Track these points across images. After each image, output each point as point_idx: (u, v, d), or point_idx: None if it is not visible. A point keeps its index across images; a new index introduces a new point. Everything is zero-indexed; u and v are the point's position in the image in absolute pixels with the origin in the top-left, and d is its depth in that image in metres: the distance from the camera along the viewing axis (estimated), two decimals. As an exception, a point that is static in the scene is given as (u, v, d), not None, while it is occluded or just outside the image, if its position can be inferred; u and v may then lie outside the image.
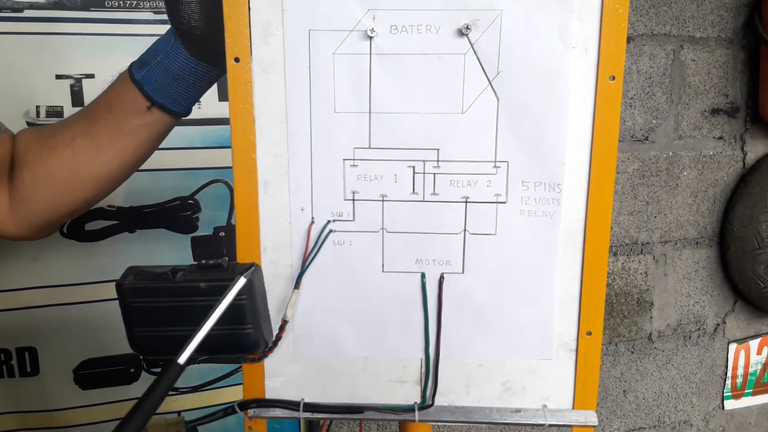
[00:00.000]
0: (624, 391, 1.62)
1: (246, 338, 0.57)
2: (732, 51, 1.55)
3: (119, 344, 1.13)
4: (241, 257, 0.60)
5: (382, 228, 0.61)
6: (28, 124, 1.03)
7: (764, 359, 1.74)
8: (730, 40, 1.54)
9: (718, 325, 1.66)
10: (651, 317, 1.59)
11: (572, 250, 0.60)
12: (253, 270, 0.58)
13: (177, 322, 0.56)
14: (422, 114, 0.58)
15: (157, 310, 0.56)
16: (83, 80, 1.05)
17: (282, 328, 0.61)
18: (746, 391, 1.74)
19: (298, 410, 0.62)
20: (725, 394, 1.71)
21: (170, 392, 1.14)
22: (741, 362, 1.71)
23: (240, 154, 0.59)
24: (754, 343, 1.72)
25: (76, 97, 1.05)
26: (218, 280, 0.55)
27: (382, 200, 0.60)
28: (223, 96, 1.11)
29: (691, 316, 1.63)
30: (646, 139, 1.53)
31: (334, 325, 0.62)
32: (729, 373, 1.69)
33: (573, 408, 0.63)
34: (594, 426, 0.63)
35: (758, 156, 1.61)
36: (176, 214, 1.13)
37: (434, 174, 0.59)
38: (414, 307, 0.62)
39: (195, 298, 0.55)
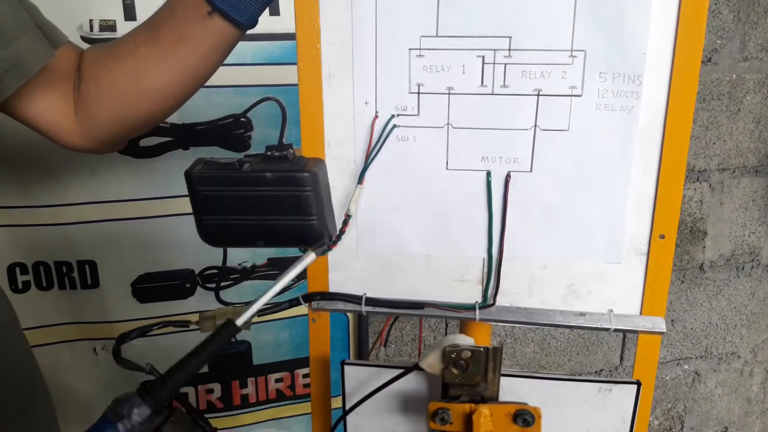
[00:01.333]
0: (672, 321, 1.60)
1: (310, 229, 0.57)
2: (809, -36, 1.44)
3: (175, 260, 1.16)
4: (306, 151, 0.60)
5: (448, 123, 0.59)
6: (82, 38, 1.03)
7: (820, 293, 1.70)
8: (808, -48, 1.43)
9: (773, 257, 1.62)
10: (704, 247, 1.55)
11: (650, 148, 0.57)
12: (317, 164, 0.57)
13: (244, 211, 0.56)
14: (494, -1, 0.55)
15: (225, 199, 0.56)
16: (137, -8, 1.03)
17: (345, 223, 0.61)
18: (799, 324, 1.70)
19: (360, 304, 0.63)
20: (776, 327, 1.68)
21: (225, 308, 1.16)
22: (795, 295, 1.66)
23: (304, 43, 0.57)
24: (810, 277, 1.67)
25: (129, 10, 1.03)
26: (284, 171, 0.55)
27: (449, 93, 0.58)
28: (274, 10, 1.08)
29: (746, 247, 1.59)
30: (709, 60, 1.45)
31: (397, 221, 0.62)
32: (782, 306, 1.66)
33: (640, 314, 0.62)
34: (662, 333, 0.61)
35: (829, 80, 1.52)
36: (228, 132, 1.13)
37: (505, 64, 0.57)
38: (478, 206, 0.61)
39: (261, 188, 0.55)
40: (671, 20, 0.54)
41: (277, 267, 1.18)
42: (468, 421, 0.55)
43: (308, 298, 0.64)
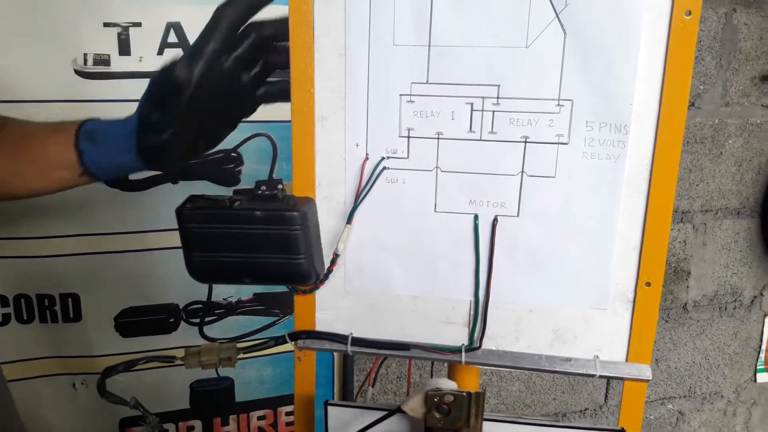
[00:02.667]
0: (656, 360, 1.60)
1: (298, 268, 0.57)
2: (786, 15, 1.49)
3: (160, 294, 1.15)
4: (297, 191, 0.60)
5: (437, 167, 0.60)
6: (76, 72, 1.03)
7: (801, 334, 1.71)
8: (784, 3, 1.48)
9: (755, 297, 1.63)
10: (687, 287, 1.57)
11: (636, 197, 0.58)
12: (307, 203, 0.58)
13: (233, 248, 0.56)
14: (484, 48, 0.56)
15: (214, 236, 0.56)
16: (130, 29, 1.04)
17: (333, 262, 0.61)
18: (781, 365, 1.71)
19: (346, 344, 0.63)
20: (758, 367, 1.68)
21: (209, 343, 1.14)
22: (777, 336, 1.68)
23: (298, 86, 0.58)
24: (791, 318, 1.68)
25: (123, 45, 1.04)
26: (273, 210, 0.56)
27: (438, 138, 0.59)
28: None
29: (728, 287, 1.61)
30: (692, 105, 1.48)
31: (385, 262, 0.62)
32: (763, 346, 1.67)
33: (626, 361, 0.62)
34: (648, 380, 0.62)
35: (807, 126, 1.56)
36: (219, 167, 1.14)
37: (493, 111, 0.58)
38: (465, 249, 0.62)
39: (251, 226, 0.56)
40: (657, 71, 0.55)
41: (263, 302, 1.18)
42: (452, 467, 0.54)
43: (294, 336, 0.63)
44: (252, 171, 1.14)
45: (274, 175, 1.14)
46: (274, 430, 1.25)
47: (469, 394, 0.55)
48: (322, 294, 0.63)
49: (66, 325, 1.13)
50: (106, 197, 1.09)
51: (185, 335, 1.17)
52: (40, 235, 1.05)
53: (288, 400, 1.24)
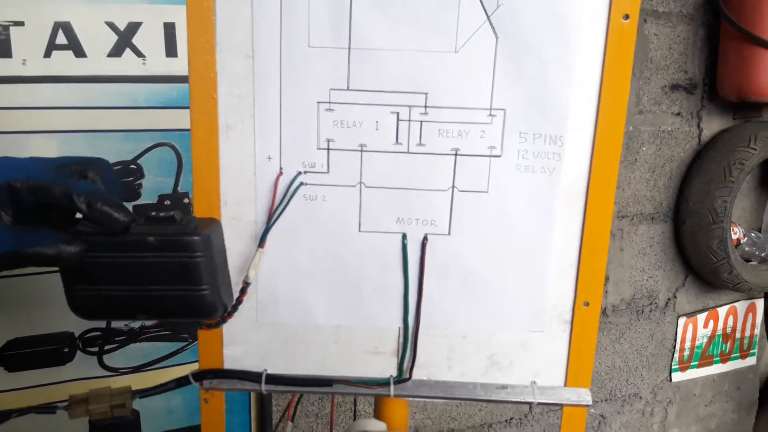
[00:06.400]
0: (579, 366, 1.61)
1: (201, 300, 0.49)
2: (693, 27, 1.54)
3: (51, 321, 1.02)
4: (199, 211, 0.52)
5: (360, 182, 0.54)
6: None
7: (710, 332, 1.78)
8: (691, 16, 1.53)
9: (669, 299, 1.68)
10: (606, 292, 1.59)
11: (572, 212, 0.55)
12: (211, 225, 0.50)
13: (122, 280, 0.48)
14: (409, 52, 0.51)
15: (100, 266, 0.47)
16: (11, 28, 0.92)
17: (243, 291, 0.53)
18: (692, 363, 1.77)
19: (259, 382, 0.55)
20: (673, 367, 1.74)
21: (110, 373, 1.04)
22: (689, 335, 1.73)
23: (198, 93, 0.50)
24: (701, 317, 1.75)
25: (3, 47, 0.92)
26: (169, 235, 0.47)
27: (361, 150, 0.53)
28: (171, 51, 1.01)
29: (645, 291, 1.64)
30: (608, 112, 1.50)
31: (303, 289, 0.55)
32: (677, 347, 1.72)
33: (565, 385, 0.58)
34: (588, 405, 0.58)
35: (713, 132, 1.63)
36: (116, 179, 1.03)
37: (421, 122, 0.53)
38: (393, 272, 0.56)
39: (143, 254, 0.47)
40: (595, 77, 0.52)
41: (169, 327, 1.07)
42: None
43: (199, 376, 0.56)
44: (154, 184, 1.03)
45: (179, 189, 1.04)
46: (186, 463, 1.15)
47: (399, 437, 0.49)
48: (230, 327, 0.56)
49: (-60, 360, 0.98)
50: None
51: (83, 366, 1.05)
52: None
53: (200, 429, 1.15)
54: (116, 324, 1.04)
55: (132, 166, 1.02)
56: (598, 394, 1.66)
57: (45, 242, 0.45)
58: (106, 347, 1.05)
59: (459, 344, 0.58)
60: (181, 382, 0.56)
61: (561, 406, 0.58)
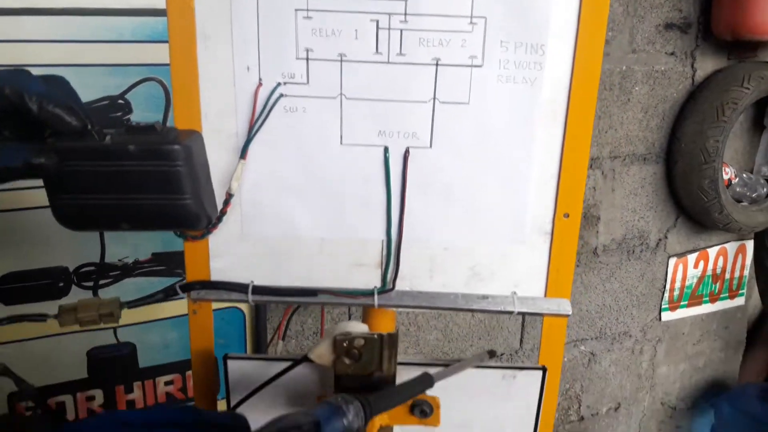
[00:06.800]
0: (569, 305, 1.64)
1: (184, 210, 0.50)
2: (688, -39, 1.51)
3: (47, 256, 1.03)
4: (180, 123, 0.53)
5: (341, 94, 0.54)
6: None
7: (700, 273, 1.80)
8: (687, -51, 1.50)
9: (660, 240, 1.70)
10: (597, 232, 1.60)
11: (553, 123, 0.55)
12: (192, 136, 0.51)
13: (105, 189, 0.48)
14: (388, -44, 0.50)
15: (83, 175, 0.48)
16: None
17: (227, 203, 0.54)
18: (682, 303, 1.80)
19: (246, 293, 0.57)
20: (663, 306, 1.76)
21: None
22: (679, 276, 1.76)
23: (174, 1, 0.50)
24: (692, 258, 1.77)
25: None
26: (150, 144, 0.48)
27: (341, 60, 0.53)
28: (155, -20, 0.99)
29: (636, 231, 1.66)
30: (601, 50, 1.49)
31: (286, 201, 0.56)
32: (667, 287, 1.75)
33: (545, 296, 0.60)
34: (567, 315, 0.59)
35: (707, 73, 1.61)
36: (104, 116, 1.02)
37: (401, 30, 0.52)
38: (375, 185, 0.57)
39: (124, 162, 0.48)
40: (573, -17, 0.51)
41: (163, 262, 1.09)
42: (364, 416, 0.50)
43: (187, 287, 0.57)
44: (142, 119, 1.03)
45: (167, 125, 1.04)
46: (184, 394, 1.18)
47: (380, 335, 0.50)
48: (216, 239, 0.57)
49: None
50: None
51: (78, 300, 1.06)
52: None
53: (197, 363, 1.17)
54: (110, 259, 1.05)
55: (119, 101, 1.01)
56: (588, 331, 1.69)
57: (13, 157, 0.46)
58: (101, 282, 1.06)
59: (441, 256, 0.58)
60: (168, 292, 0.57)
61: (541, 315, 0.59)
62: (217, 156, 0.54)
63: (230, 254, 0.57)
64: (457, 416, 0.59)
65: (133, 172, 0.48)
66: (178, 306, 1.14)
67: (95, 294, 1.07)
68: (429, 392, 0.52)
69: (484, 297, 0.60)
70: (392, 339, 0.51)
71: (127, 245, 1.06)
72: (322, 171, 0.56)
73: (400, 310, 0.60)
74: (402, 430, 0.56)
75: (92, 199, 0.49)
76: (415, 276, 0.59)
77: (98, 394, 1.13)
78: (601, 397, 1.80)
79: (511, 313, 0.59)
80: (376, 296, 0.58)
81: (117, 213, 0.50)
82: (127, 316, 1.10)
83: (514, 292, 0.60)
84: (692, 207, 1.61)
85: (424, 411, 0.51)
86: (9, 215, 1.00)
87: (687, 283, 1.78)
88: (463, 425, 0.60)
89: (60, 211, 0.50)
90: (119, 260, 1.07)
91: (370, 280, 0.59)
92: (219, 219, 0.54)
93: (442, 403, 0.52)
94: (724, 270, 1.86)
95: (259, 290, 0.57)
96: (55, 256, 1.04)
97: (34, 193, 0.98)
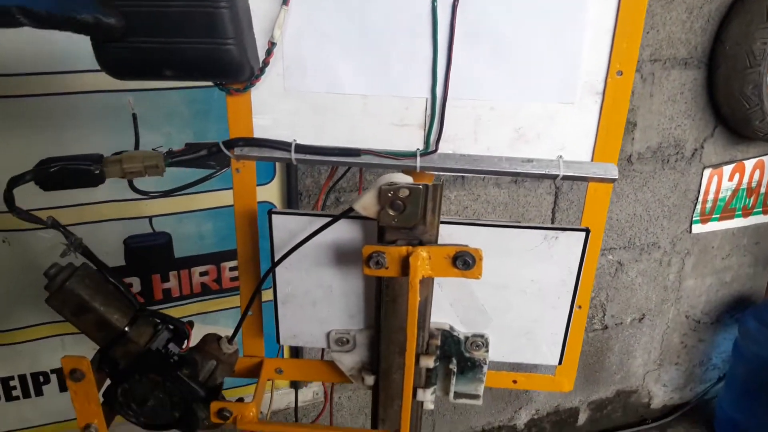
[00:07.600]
0: (599, 213, 1.62)
1: (228, 55, 0.49)
2: None
3: (81, 145, 1.04)
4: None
5: (388, -64, 0.51)
6: None
7: (735, 186, 1.77)
8: None
9: (695, 150, 1.65)
10: (633, 139, 1.57)
11: (609, -33, 0.52)
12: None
13: (149, 32, 0.48)
14: None
15: (128, 17, 0.47)
16: None
17: (269, 53, 0.53)
18: (714, 216, 1.77)
19: (289, 151, 0.56)
20: (694, 219, 1.74)
21: (140, 196, 1.06)
22: (713, 188, 1.72)
23: None
24: (727, 169, 1.73)
25: None
26: None
27: None
28: None
29: (672, 140, 1.62)
30: (648, -57, 1.40)
31: (328, 54, 0.55)
32: (700, 198, 1.72)
33: (592, 160, 0.58)
34: (614, 179, 0.58)
35: (759, -30, 1.52)
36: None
37: None
38: (421, 38, 0.55)
39: (170, 2, 0.46)
40: None
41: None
42: (405, 265, 0.50)
43: (230, 144, 0.56)
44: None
45: None
46: (219, 285, 1.21)
47: (425, 186, 0.50)
48: (258, 95, 0.56)
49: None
50: (12, 32, 0.94)
51: (114, 189, 1.08)
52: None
53: (231, 255, 1.19)
54: (144, 148, 1.06)
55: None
56: (617, 240, 1.69)
57: (85, 8, 0.45)
58: (136, 169, 1.07)
59: (486, 116, 0.57)
60: (211, 149, 0.56)
61: (587, 179, 0.58)
62: (259, 3, 0.52)
63: (273, 111, 0.56)
64: (494, 279, 0.59)
65: (177, 13, 0.47)
66: (213, 198, 1.15)
67: (131, 183, 1.08)
68: (471, 246, 0.52)
69: (529, 160, 0.58)
70: (436, 190, 0.51)
71: (162, 134, 1.06)
72: (365, 21, 0.54)
73: (441, 174, 0.59)
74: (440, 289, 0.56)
75: (138, 43, 0.49)
76: (459, 138, 0.58)
77: (135, 282, 1.17)
78: (626, 307, 1.81)
79: (556, 177, 0.58)
80: (418, 158, 0.57)
81: (160, 58, 0.50)
82: (163, 205, 1.12)
83: (560, 156, 0.58)
84: (732, 115, 1.56)
85: (467, 262, 0.51)
86: (48, 99, 1.00)
87: (720, 195, 1.75)
88: (501, 287, 0.60)
89: (106, 57, 0.50)
90: (153, 149, 1.07)
91: (413, 141, 0.58)
92: (261, 70, 0.53)
93: (480, 264, 0.52)
94: (759, 184, 1.81)
95: (302, 149, 0.57)
96: (90, 143, 1.05)
97: (74, 77, 0.98)
